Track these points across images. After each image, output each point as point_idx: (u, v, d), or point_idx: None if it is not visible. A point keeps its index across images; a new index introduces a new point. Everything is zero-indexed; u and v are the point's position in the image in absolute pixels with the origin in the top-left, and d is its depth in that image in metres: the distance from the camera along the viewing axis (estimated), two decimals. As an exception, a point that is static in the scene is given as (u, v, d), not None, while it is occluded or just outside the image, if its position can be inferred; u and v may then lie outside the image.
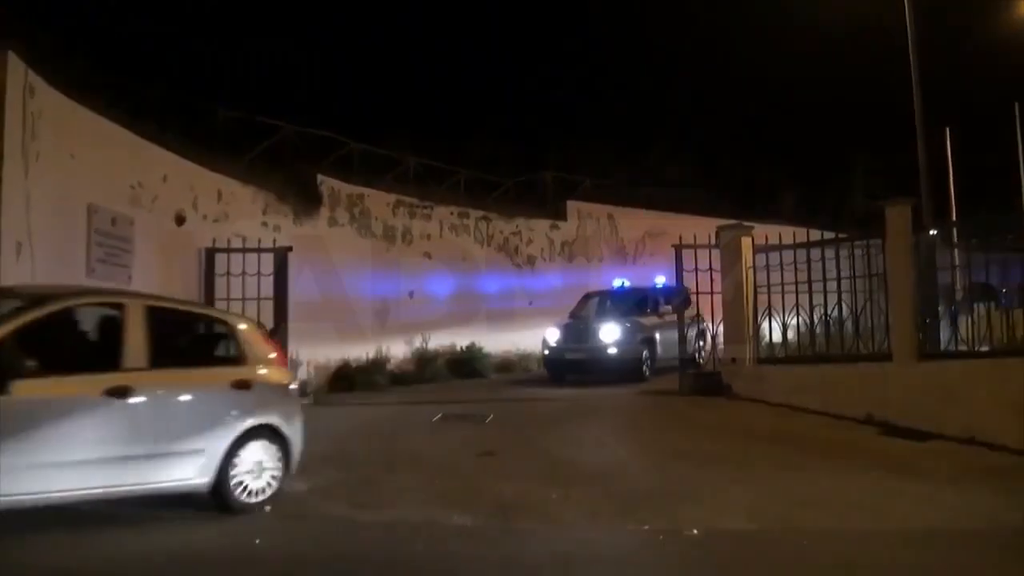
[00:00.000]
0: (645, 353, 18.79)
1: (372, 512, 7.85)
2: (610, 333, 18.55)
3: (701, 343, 18.75)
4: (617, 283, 21.40)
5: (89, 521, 7.13)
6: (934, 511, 7.84)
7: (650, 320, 19.35)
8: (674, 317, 17.78)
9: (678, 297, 17.92)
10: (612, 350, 18.42)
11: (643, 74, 44.05)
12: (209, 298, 14.89)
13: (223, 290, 14.78)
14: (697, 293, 15.86)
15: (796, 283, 14.41)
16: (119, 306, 7.36)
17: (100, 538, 6.88)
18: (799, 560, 6.61)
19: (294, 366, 15.74)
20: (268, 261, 15.06)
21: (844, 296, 13.86)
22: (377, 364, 19.31)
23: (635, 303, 20.23)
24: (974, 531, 7.20)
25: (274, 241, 15.65)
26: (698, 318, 17.90)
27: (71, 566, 6.26)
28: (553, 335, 19.34)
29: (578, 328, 19.41)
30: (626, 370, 18.30)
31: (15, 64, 9.91)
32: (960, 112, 29.57)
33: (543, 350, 19.72)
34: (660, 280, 20.35)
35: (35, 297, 6.98)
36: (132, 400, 6.89)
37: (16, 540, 6.59)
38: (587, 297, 21.24)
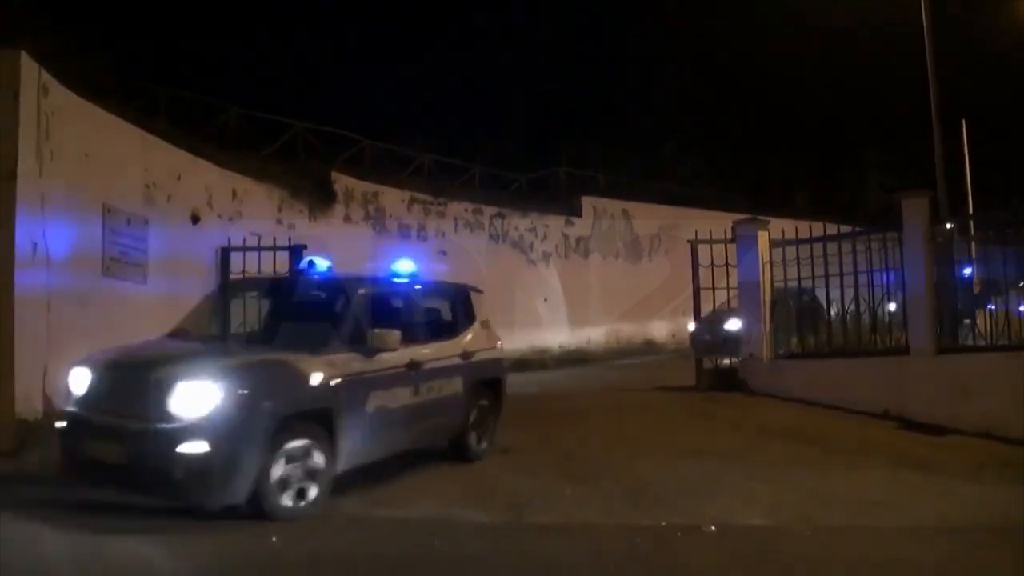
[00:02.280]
0: (305, 455, 7.68)
1: (388, 509, 7.84)
2: (196, 397, 7.15)
3: (484, 404, 10.35)
4: (318, 265, 9.81)
5: (111, 521, 7.14)
6: (952, 507, 7.79)
7: (347, 360, 8.29)
8: (435, 350, 9.57)
9: (453, 306, 10.60)
10: (194, 445, 6.97)
11: (656, 70, 43.99)
12: (225, 297, 14.89)
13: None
14: (714, 288, 15.73)
15: (813, 277, 14.36)
16: None
17: (120, 539, 6.88)
18: (817, 556, 6.57)
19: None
20: (284, 259, 15.06)
21: (861, 290, 13.79)
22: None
23: (332, 315, 8.82)
24: (993, 527, 7.15)
25: (289, 239, 15.65)
26: (475, 353, 10.28)
27: (96, 567, 6.26)
28: (80, 381, 7.80)
29: (122, 378, 7.78)
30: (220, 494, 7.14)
31: (28, 64, 9.94)
32: (976, 104, 29.42)
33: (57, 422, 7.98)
34: (405, 268, 10.05)
35: None
36: None
37: (34, 542, 6.59)
38: (231, 290, 11.25)
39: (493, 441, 10.49)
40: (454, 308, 10.66)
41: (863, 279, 13.70)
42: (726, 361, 15.77)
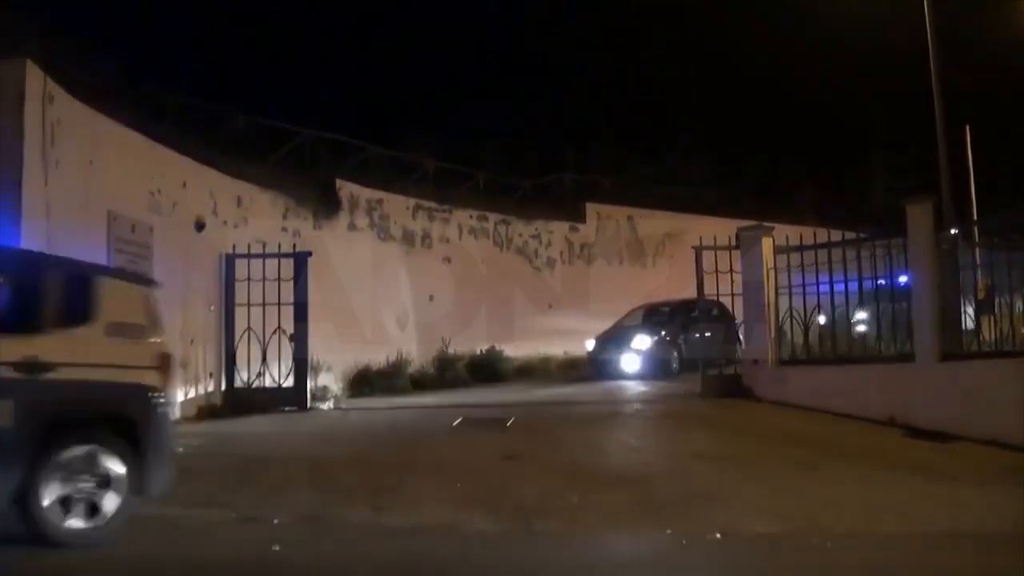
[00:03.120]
0: None
1: (394, 516, 7.84)
2: None
3: (81, 455, 6.79)
4: None
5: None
6: (958, 513, 7.78)
7: None
8: None
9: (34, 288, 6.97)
10: None
11: (661, 74, 43.97)
12: (230, 304, 14.95)
13: (243, 295, 14.83)
14: (718, 294, 15.68)
15: (817, 283, 14.33)
16: None
17: (120, 534, 6.88)
18: (823, 563, 6.57)
19: (313, 370, 15.75)
20: (288, 266, 15.08)
21: (866, 296, 13.77)
22: (397, 368, 19.27)
23: None
24: (999, 533, 7.14)
25: (294, 246, 15.68)
26: (58, 368, 6.70)
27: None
28: None
29: None
30: None
31: (34, 73, 9.99)
32: (981, 108, 29.37)
33: None
34: None
35: None
36: None
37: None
38: None
39: (124, 517, 6.90)
40: (36, 292, 6.95)
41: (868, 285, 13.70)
42: (731, 368, 15.73)
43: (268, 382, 14.91)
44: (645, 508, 8.05)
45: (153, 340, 7.57)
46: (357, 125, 23.56)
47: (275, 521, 7.56)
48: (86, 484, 6.68)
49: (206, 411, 14.10)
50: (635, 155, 30.58)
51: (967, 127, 27.48)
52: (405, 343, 19.95)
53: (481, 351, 21.15)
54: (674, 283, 20.80)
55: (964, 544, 6.88)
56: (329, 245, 17.81)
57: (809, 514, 7.74)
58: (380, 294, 19.69)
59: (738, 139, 35.97)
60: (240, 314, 14.91)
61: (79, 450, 6.71)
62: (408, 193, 22.03)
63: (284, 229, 17.09)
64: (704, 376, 15.73)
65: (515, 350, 21.82)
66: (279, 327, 14.82)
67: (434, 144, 24.62)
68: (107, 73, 14.27)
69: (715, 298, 15.73)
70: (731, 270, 15.44)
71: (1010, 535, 7.07)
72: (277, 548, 6.79)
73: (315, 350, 15.46)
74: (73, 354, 6.78)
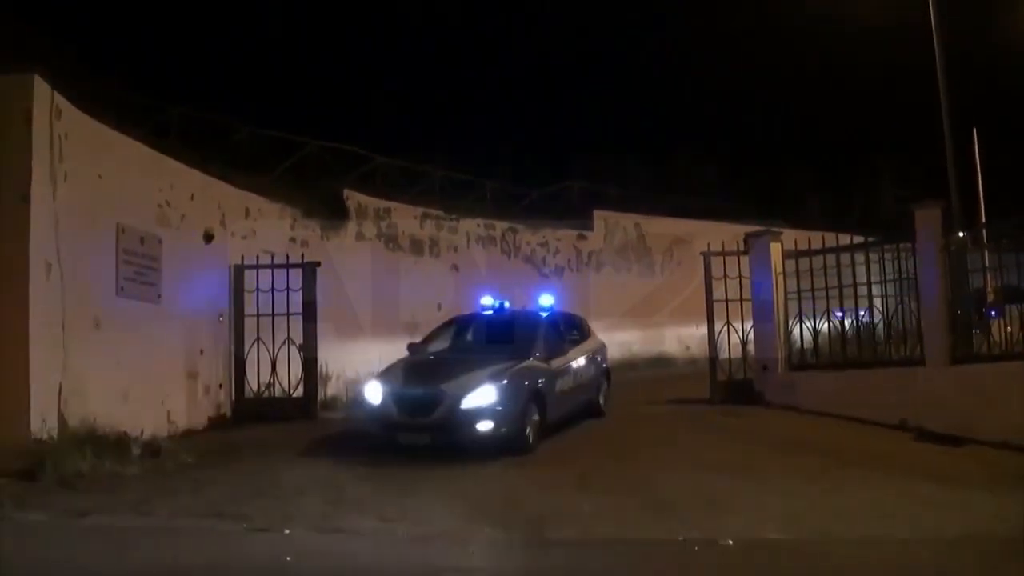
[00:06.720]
0: None
1: (403, 524, 7.82)
2: None
3: None
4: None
5: (118, 531, 7.15)
6: (970, 518, 7.74)
7: None
8: None
9: None
10: None
11: (668, 81, 44.03)
12: (239, 314, 14.95)
13: (253, 306, 14.84)
14: (727, 300, 15.60)
15: (827, 288, 14.31)
16: None
17: (131, 548, 6.89)
18: (836, 570, 6.54)
19: (323, 380, 15.76)
20: (296, 276, 15.10)
21: (875, 301, 13.75)
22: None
23: None
24: (1010, 538, 7.09)
25: (302, 256, 15.69)
26: None
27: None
28: None
29: None
30: None
31: (41, 87, 10.00)
32: (988, 111, 29.33)
33: None
34: None
35: None
36: None
37: (37, 549, 6.60)
38: None
39: None
40: None
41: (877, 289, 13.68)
42: (741, 373, 15.67)
43: (278, 392, 14.89)
44: (656, 515, 8.03)
45: None
46: (364, 135, 23.58)
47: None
48: None
49: (215, 421, 14.10)
50: (643, 162, 30.63)
51: (974, 129, 27.45)
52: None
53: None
54: (683, 289, 20.80)
55: (975, 549, 6.84)
56: (337, 255, 17.81)
57: (820, 520, 7.71)
58: (388, 303, 19.66)
59: (745, 145, 36.03)
60: (249, 324, 14.91)
61: None
62: (416, 203, 22.02)
63: (292, 239, 17.11)
64: (713, 382, 15.70)
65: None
66: (288, 337, 14.81)
67: (441, 153, 24.69)
68: (114, 87, 14.32)
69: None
70: (740, 275, 15.42)
71: (1020, 539, 7.04)
72: (289, 559, 6.78)
73: (324, 360, 15.46)
74: None
